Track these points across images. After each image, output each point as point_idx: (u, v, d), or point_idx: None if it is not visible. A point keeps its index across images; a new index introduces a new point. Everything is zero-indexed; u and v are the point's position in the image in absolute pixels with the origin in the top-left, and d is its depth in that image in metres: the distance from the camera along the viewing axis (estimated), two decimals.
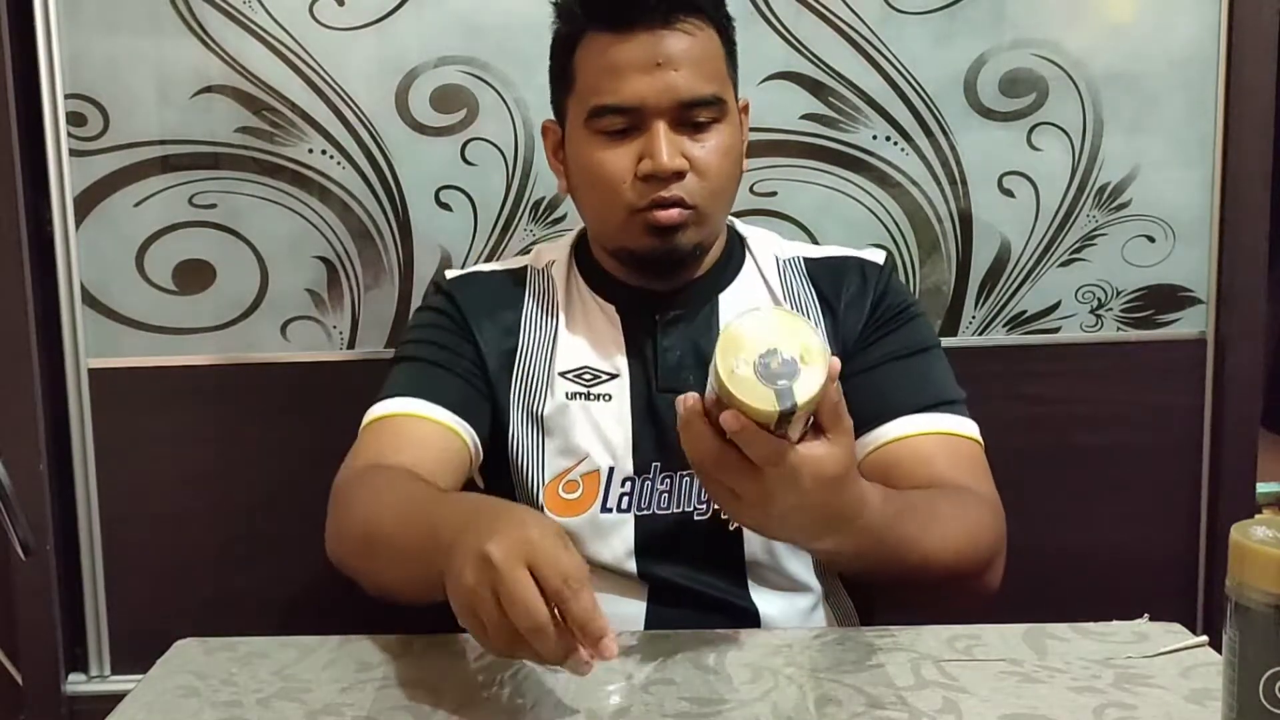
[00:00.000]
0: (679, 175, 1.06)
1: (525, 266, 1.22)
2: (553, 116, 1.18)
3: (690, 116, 1.07)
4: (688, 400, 0.80)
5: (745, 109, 1.16)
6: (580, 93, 1.10)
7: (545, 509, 1.11)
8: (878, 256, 1.20)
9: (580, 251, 1.21)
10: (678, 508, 1.11)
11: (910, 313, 1.17)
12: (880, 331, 1.15)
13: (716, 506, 1.04)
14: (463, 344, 1.16)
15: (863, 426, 1.11)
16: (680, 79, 1.05)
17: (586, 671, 0.76)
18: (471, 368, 1.15)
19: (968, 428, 1.11)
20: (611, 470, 1.11)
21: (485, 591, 0.75)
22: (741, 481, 0.81)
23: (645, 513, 1.11)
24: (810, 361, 0.77)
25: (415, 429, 1.10)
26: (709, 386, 0.81)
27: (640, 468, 1.11)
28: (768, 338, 0.77)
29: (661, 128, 1.06)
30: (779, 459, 0.79)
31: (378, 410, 1.13)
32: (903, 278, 1.54)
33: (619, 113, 1.07)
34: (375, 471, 1.05)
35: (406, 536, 0.92)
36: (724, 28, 1.12)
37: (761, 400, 0.76)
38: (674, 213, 1.07)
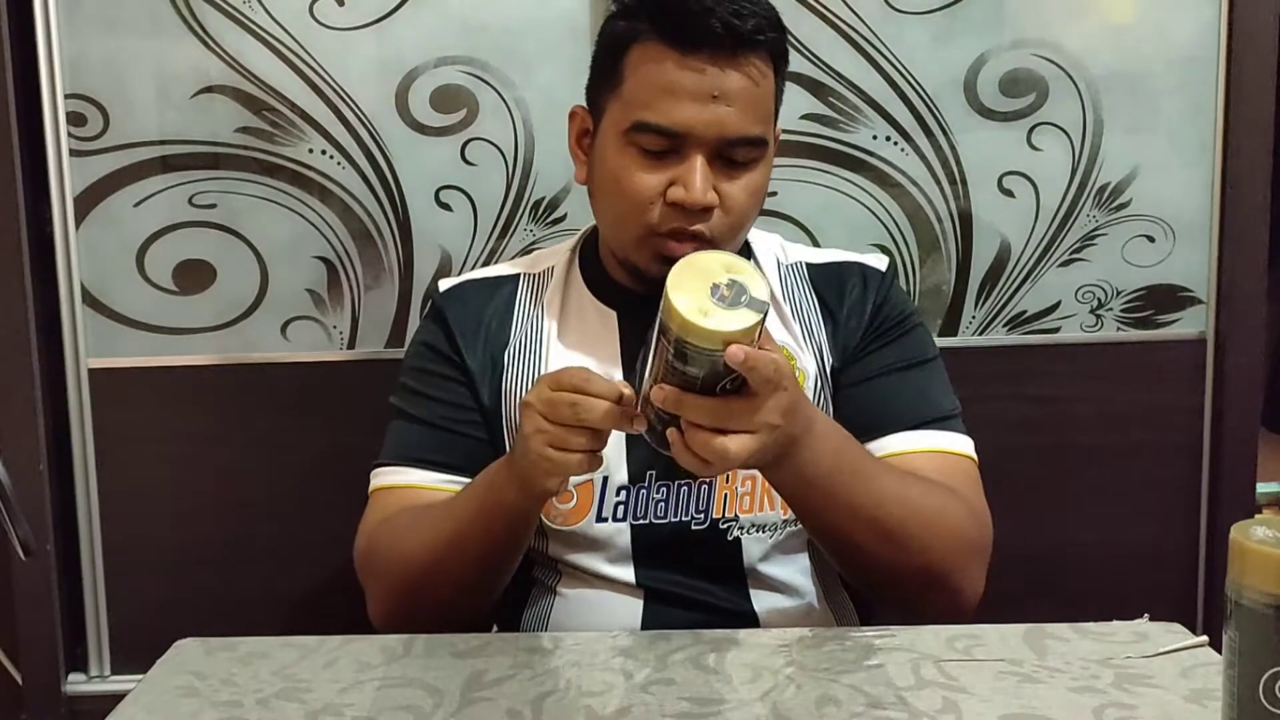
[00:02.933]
0: (707, 211, 1.05)
1: (519, 274, 1.20)
2: (584, 103, 1.14)
3: (731, 153, 1.05)
4: (663, 391, 0.85)
5: (777, 138, 1.13)
6: (626, 98, 1.06)
7: (541, 519, 1.10)
8: (880, 263, 1.19)
9: (585, 252, 1.20)
10: (675, 517, 1.10)
11: (910, 323, 1.16)
12: (879, 341, 1.14)
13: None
14: (458, 389, 1.14)
15: (856, 439, 1.10)
16: (731, 116, 1.03)
17: (641, 426, 0.90)
18: (470, 414, 1.14)
19: (961, 444, 1.10)
20: (605, 479, 1.10)
21: (541, 422, 0.91)
22: (747, 415, 0.86)
23: (641, 522, 1.10)
24: (738, 269, 0.82)
25: (423, 499, 1.10)
26: (657, 371, 0.85)
27: (635, 476, 1.10)
28: (699, 283, 0.81)
29: (699, 160, 1.04)
30: (775, 366, 0.84)
31: (384, 479, 1.13)
32: (903, 278, 1.54)
33: (662, 134, 1.04)
34: (387, 523, 1.09)
35: (462, 519, 1.02)
36: (781, 70, 1.10)
37: (744, 320, 0.80)
38: (689, 247, 1.05)
